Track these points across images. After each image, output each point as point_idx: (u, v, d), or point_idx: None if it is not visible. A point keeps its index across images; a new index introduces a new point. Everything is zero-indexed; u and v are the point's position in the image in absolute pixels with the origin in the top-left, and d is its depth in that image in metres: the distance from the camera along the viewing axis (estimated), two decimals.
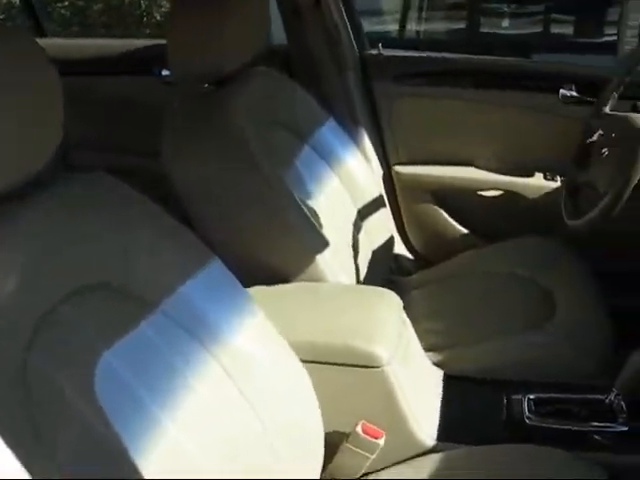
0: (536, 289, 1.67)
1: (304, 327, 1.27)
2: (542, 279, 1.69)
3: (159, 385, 0.94)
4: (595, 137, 1.55)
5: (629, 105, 1.59)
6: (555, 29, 5.93)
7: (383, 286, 1.48)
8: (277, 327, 1.13)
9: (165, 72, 2.02)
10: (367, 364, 1.22)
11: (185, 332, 0.99)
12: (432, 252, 2.07)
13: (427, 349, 1.46)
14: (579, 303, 1.59)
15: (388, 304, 1.37)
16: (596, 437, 1.24)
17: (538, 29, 5.87)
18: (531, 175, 1.96)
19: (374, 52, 2.07)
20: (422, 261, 2.07)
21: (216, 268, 1.08)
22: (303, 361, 1.15)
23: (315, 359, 1.21)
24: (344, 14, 1.97)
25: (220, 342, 1.01)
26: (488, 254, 1.88)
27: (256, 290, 1.30)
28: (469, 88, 1.99)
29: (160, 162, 1.49)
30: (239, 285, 1.11)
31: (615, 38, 5.63)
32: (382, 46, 2.04)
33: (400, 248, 2.09)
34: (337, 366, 1.23)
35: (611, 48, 5.73)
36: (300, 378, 1.13)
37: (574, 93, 1.79)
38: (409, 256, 2.12)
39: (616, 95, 1.52)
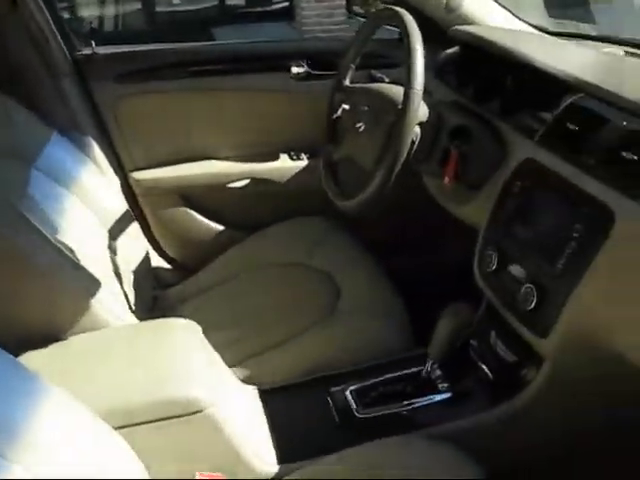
0: (314, 275, 1.64)
1: (105, 391, 1.09)
2: (317, 263, 1.66)
3: None
4: (340, 112, 1.53)
5: (365, 74, 1.59)
6: (230, 1, 6.00)
7: (149, 306, 1.33)
8: (73, 396, 0.94)
9: None
10: (187, 412, 1.08)
11: None
12: (191, 258, 1.95)
13: (230, 364, 1.36)
14: (363, 280, 1.59)
15: (185, 336, 1.24)
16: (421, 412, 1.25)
17: (213, 2, 5.89)
18: (276, 158, 1.91)
19: (87, 52, 1.85)
20: (182, 270, 1.94)
21: None
22: (117, 428, 0.98)
23: (130, 422, 1.04)
24: (48, 15, 1.72)
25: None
26: (252, 248, 1.80)
27: (28, 357, 1.08)
28: (196, 77, 1.88)
29: None
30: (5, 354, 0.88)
31: (288, 4, 5.86)
32: (97, 43, 1.83)
33: (156, 260, 1.93)
34: (157, 422, 1.07)
35: (286, 14, 5.97)
36: (116, 451, 0.96)
37: (305, 69, 1.76)
38: (167, 266, 1.98)
39: (354, 66, 1.51)
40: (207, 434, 1.09)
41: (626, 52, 1.61)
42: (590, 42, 1.74)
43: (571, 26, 1.90)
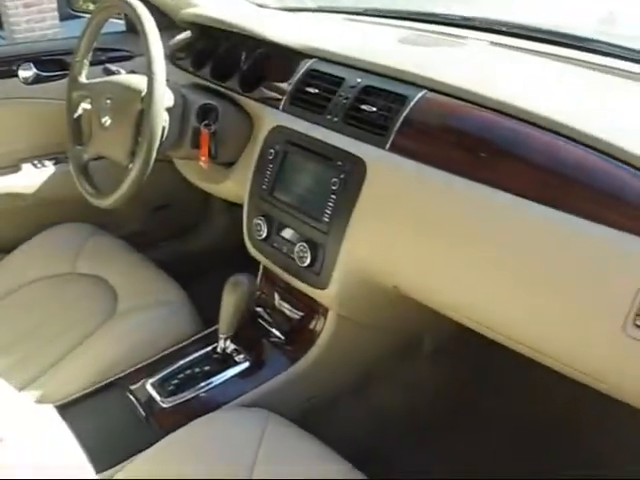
0: (86, 281, 1.58)
1: None
2: (86, 269, 1.60)
3: None
4: (80, 110, 1.48)
5: (100, 70, 1.56)
6: None
7: None
8: None
9: None
10: None
11: None
12: None
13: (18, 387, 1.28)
14: (135, 276, 1.56)
15: None
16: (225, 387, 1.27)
17: None
18: (18, 170, 1.80)
19: None
20: None
21: None
22: None
23: None
24: None
25: None
26: (14, 267, 1.68)
27: None
28: None
29: None
30: None
31: None
32: None
33: None
34: None
35: None
36: None
37: (34, 71, 1.67)
38: None
39: (87, 62, 1.46)
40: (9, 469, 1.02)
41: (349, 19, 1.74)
42: (310, 13, 1.85)
43: (291, 2, 2.00)
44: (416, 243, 1.08)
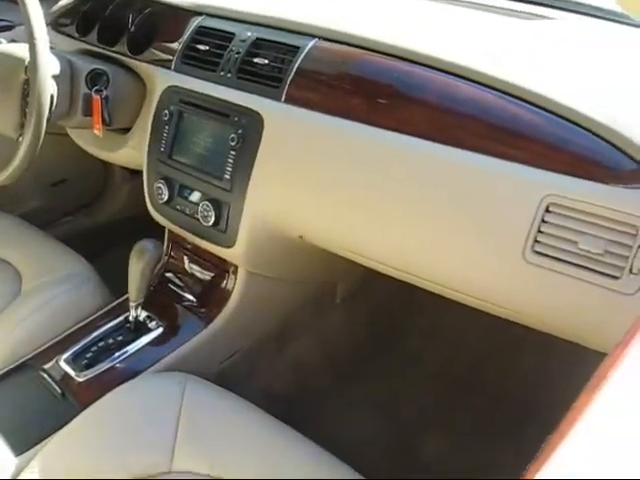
0: None
1: None
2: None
3: None
4: None
5: None
6: None
7: None
8: None
9: None
10: None
11: None
12: None
13: None
14: (38, 256, 1.51)
15: None
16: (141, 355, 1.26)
17: None
18: None
19: None
20: None
21: None
22: None
23: None
24: None
25: None
26: None
27: None
28: None
29: None
30: None
31: None
32: None
33: None
34: None
35: None
36: None
37: None
38: None
39: None
40: None
41: None
42: None
43: None
44: (317, 193, 1.09)
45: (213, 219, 1.21)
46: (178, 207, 1.29)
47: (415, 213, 0.99)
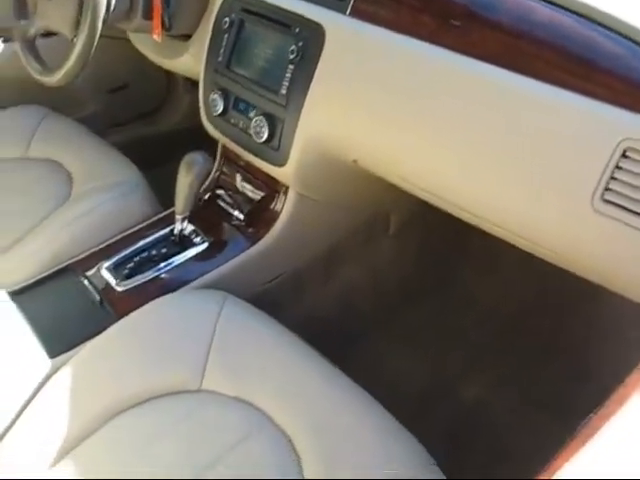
0: (39, 165, 1.51)
1: None
2: (38, 153, 1.53)
3: None
4: None
5: None
6: None
7: None
8: None
9: None
10: None
11: None
12: None
13: None
14: (92, 160, 1.50)
15: None
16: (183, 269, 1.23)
17: None
18: None
19: None
20: None
21: None
22: None
23: None
24: None
25: None
26: None
27: None
28: None
29: None
30: None
31: None
32: None
33: None
34: None
35: None
36: None
37: None
38: None
39: None
40: None
41: None
42: None
43: None
44: (376, 113, 1.02)
45: (266, 135, 1.16)
46: (232, 120, 1.24)
47: (477, 144, 0.91)
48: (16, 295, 1.20)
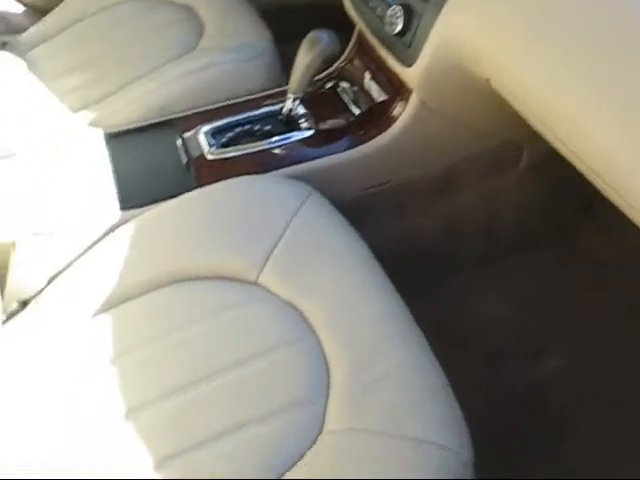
0: (173, 9, 1.46)
1: None
2: None
3: None
4: None
5: None
6: None
7: None
8: None
9: None
10: None
11: None
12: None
13: (76, 109, 1.22)
14: (228, 14, 1.42)
15: None
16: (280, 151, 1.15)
17: None
18: None
19: None
20: (33, 13, 1.68)
21: None
22: None
23: None
24: None
25: None
26: None
27: None
28: None
29: None
30: None
31: None
32: None
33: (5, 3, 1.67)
34: None
35: None
36: None
37: None
38: (17, 10, 1.72)
39: None
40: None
41: None
42: None
43: None
44: (520, 28, 0.85)
45: (400, 27, 1.03)
46: (370, 4, 1.11)
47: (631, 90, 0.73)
48: (110, 138, 1.18)
